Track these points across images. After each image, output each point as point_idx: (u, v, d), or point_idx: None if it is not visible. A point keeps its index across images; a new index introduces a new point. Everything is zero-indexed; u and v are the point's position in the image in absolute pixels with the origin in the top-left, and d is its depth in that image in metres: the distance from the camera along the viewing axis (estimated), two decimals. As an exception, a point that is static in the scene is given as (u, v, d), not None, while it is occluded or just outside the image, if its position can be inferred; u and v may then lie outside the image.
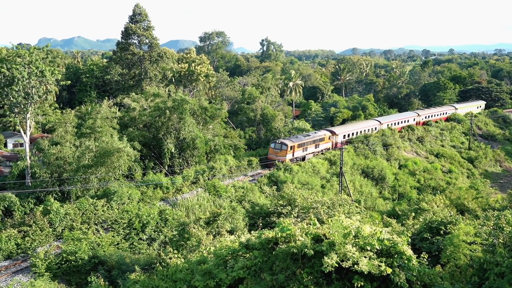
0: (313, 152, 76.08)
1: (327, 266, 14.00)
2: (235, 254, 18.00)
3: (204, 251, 21.23)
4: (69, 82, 78.26)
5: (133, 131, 66.09)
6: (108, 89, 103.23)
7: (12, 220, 43.85)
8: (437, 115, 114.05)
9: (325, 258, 14.21)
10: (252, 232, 21.01)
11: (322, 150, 78.50)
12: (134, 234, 41.19)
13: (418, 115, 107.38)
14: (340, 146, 74.41)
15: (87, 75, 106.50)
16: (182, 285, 18.27)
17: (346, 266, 14.16)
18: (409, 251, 15.14)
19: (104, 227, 42.64)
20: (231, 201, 50.70)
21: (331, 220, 16.71)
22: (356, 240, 15.28)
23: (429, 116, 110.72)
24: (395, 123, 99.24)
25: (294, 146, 71.47)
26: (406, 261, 14.90)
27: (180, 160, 64.96)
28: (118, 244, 39.27)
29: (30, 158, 59.24)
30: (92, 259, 35.42)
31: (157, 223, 42.88)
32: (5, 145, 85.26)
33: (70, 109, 71.32)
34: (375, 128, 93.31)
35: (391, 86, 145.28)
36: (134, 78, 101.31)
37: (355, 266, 14.07)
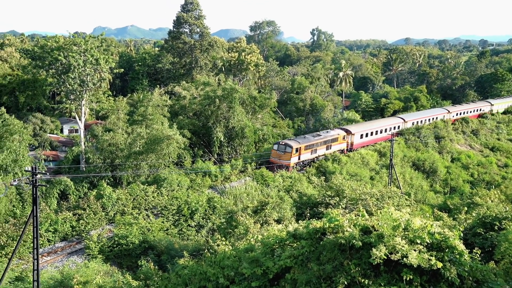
0: (324, 155, 66.59)
1: (375, 258, 13.80)
2: (282, 243, 18.00)
3: (252, 239, 21.31)
4: (122, 70, 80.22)
5: (183, 119, 67.01)
6: (159, 77, 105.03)
7: (67, 203, 45.44)
8: (470, 112, 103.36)
9: (374, 250, 14.00)
10: (299, 222, 20.97)
11: (335, 152, 68.54)
12: (183, 221, 41.90)
13: (448, 111, 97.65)
14: (355, 148, 70.52)
15: (140, 63, 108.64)
16: (230, 272, 18.42)
17: (395, 259, 13.91)
18: (461, 246, 14.72)
19: (154, 213, 43.56)
20: (278, 191, 50.76)
21: (380, 212, 16.44)
22: (406, 233, 14.98)
23: (461, 113, 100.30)
24: (420, 121, 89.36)
25: (300, 148, 62.00)
26: (457, 256, 14.49)
27: (229, 149, 65.46)
28: (167, 230, 40.06)
29: (84, 143, 61.19)
30: (142, 244, 36.29)
31: (206, 211, 43.46)
32: (62, 131, 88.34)
33: (122, 96, 73.04)
34: (398, 127, 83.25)
35: (445, 77, 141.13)
36: (185, 66, 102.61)
37: (404, 259, 13.81)
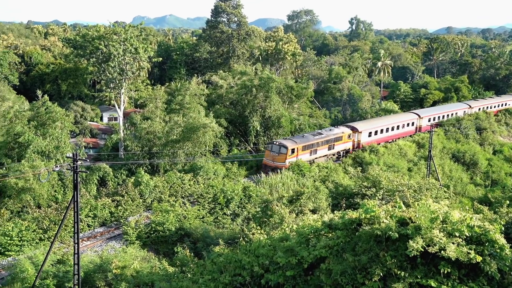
0: (325, 155, 60.74)
1: (412, 250, 13.61)
2: (317, 233, 17.93)
3: (287, 229, 21.33)
4: (161, 59, 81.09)
5: (220, 108, 67.35)
6: (197, 66, 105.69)
7: (106, 190, 46.41)
8: (494, 106, 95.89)
9: (410, 242, 13.81)
10: (335, 212, 20.84)
11: (339, 153, 63.19)
12: (219, 209, 42.25)
13: (470, 107, 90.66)
14: (362, 147, 64.60)
15: (177, 52, 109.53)
16: (265, 261, 18.50)
17: (432, 251, 13.68)
18: (502, 240, 14.34)
19: (190, 201, 44.05)
20: (314, 181, 50.50)
21: (418, 204, 16.17)
22: (444, 225, 14.71)
23: (484, 108, 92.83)
24: (437, 117, 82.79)
25: (296, 148, 55.88)
26: (498, 250, 14.13)
27: (265, 138, 65.50)
28: (203, 217, 40.48)
29: (123, 131, 62.26)
30: (178, 231, 36.79)
31: (241, 199, 43.68)
32: (101, 119, 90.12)
33: (160, 85, 73.75)
34: (412, 123, 76.76)
35: (488, 67, 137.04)
36: (222, 56, 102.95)
37: (442, 251, 13.56)
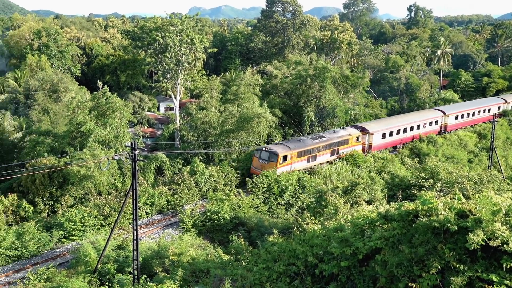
0: (328, 162, 53.15)
1: (472, 243, 13.19)
2: (372, 224, 17.68)
3: (341, 219, 21.16)
4: (216, 49, 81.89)
5: (274, 98, 67.34)
6: (251, 56, 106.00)
7: (163, 178, 47.50)
8: None
9: (470, 234, 13.38)
10: (390, 203, 20.48)
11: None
12: (273, 199, 42.39)
13: (506, 102, 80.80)
14: (374, 151, 57.70)
15: (232, 43, 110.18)
16: (319, 251, 18.43)
17: (494, 245, 13.21)
18: None
19: (244, 190, 44.42)
20: (369, 172, 49.82)
21: (478, 196, 15.64)
22: (507, 218, 14.15)
23: None
24: (466, 115, 73.28)
25: (289, 155, 48.50)
26: None
27: (320, 129, 65.03)
28: (257, 207, 40.74)
29: (179, 121, 63.43)
30: (233, 220, 37.22)
31: (295, 189, 43.66)
32: (158, 109, 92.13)
33: (215, 75, 74.49)
34: (436, 122, 68.39)
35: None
36: (277, 45, 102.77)
37: (505, 245, 13.07)
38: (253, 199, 41.31)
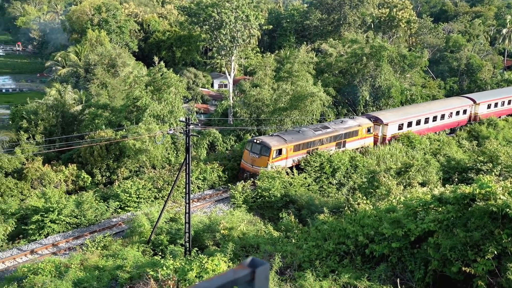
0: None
1: (532, 230, 12.77)
2: (426, 206, 17.36)
3: (394, 200, 20.85)
4: (271, 26, 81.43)
5: (329, 77, 66.55)
6: (306, 34, 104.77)
7: (215, 154, 48.14)
8: None
9: (530, 221, 12.95)
10: (446, 186, 20.00)
11: (354, 151, 48.44)
12: (324, 178, 42.23)
13: None
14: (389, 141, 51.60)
15: (288, 20, 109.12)
16: (370, 231, 18.30)
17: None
18: None
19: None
20: (424, 153, 48.66)
21: (541, 182, 15.06)
22: None
23: None
24: (501, 103, 66.36)
25: (285, 149, 43.16)
26: None
27: (374, 109, 63.92)
28: (308, 185, 40.71)
29: (232, 98, 63.80)
30: (283, 197, 37.38)
31: (347, 169, 43.30)
32: (212, 85, 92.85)
33: (270, 53, 74.24)
34: (464, 111, 61.24)
35: None
36: (333, 23, 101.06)
37: None
38: (304, 178, 41.28)
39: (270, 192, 37.45)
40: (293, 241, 23.06)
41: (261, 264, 2.13)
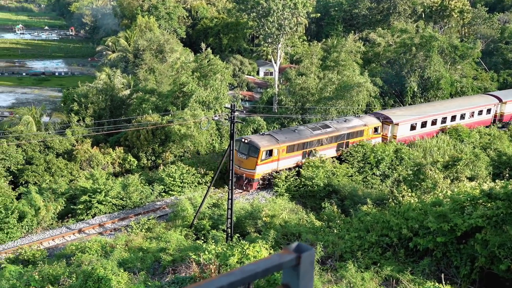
0: (333, 158, 43.22)
1: None
2: (474, 201, 16.92)
3: (440, 194, 20.42)
4: (318, 15, 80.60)
5: (376, 67, 65.48)
6: (354, 23, 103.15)
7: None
8: None
9: None
10: (496, 181, 19.42)
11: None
12: (368, 169, 41.73)
13: None
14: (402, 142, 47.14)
15: (336, 8, 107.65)
16: (414, 224, 17.99)
17: None
18: None
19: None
20: (474, 147, 47.33)
21: None
22: None
23: None
24: None
25: (276, 150, 39.26)
26: None
27: (422, 100, 62.50)
28: (351, 176, 40.33)
29: (278, 86, 63.62)
30: (326, 187, 37.19)
31: (392, 161, 42.62)
32: (258, 73, 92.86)
33: (317, 41, 73.48)
34: (488, 111, 56.19)
35: None
36: (382, 12, 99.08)
37: None
38: (347, 168, 40.91)
39: (313, 181, 37.33)
40: (335, 231, 22.96)
41: (307, 249, 2.12)
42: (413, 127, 49.33)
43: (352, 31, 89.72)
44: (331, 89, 54.57)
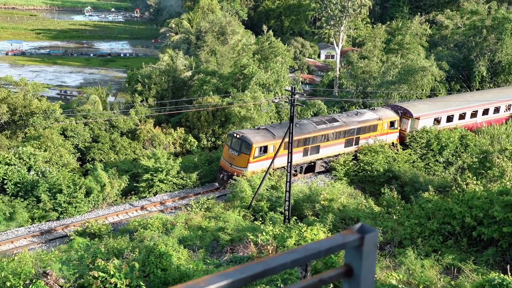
0: (338, 155, 39.04)
1: None
2: (545, 191, 16.16)
3: (508, 183, 19.62)
4: (383, -4, 78.36)
5: (442, 50, 63.16)
6: (421, 5, 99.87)
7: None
8: None
9: None
10: None
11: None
12: (431, 155, 40.60)
13: None
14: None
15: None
16: (478, 213, 17.41)
17: None
18: None
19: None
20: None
21: None
22: None
23: None
24: None
25: (272, 146, 35.33)
26: None
27: (491, 85, 59.88)
28: (413, 162, 39.36)
29: (339, 69, 62.79)
30: (386, 172, 36.53)
31: (456, 148, 41.26)
32: (319, 56, 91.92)
33: (381, 24, 71.72)
34: None
35: None
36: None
37: None
38: (409, 154, 39.97)
39: (372, 166, 36.76)
40: (394, 217, 22.60)
41: (371, 230, 2.09)
42: (438, 121, 44.52)
43: (418, 13, 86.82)
44: (394, 73, 53.28)
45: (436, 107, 45.14)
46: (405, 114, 43.37)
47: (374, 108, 43.75)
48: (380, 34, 62.60)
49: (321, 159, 38.37)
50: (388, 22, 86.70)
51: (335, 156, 38.92)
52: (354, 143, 39.99)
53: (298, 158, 36.53)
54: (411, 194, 29.96)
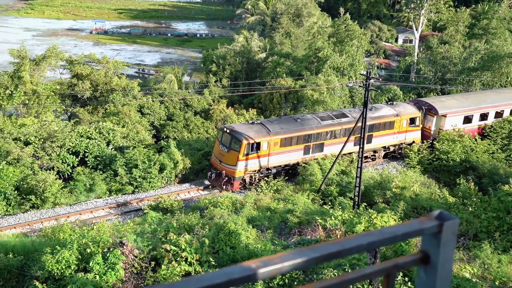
0: (348, 153, 35.11)
1: None
2: None
3: None
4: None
5: (532, 36, 59.60)
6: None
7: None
8: None
9: None
10: None
11: (388, 148, 38.08)
12: (513, 147, 38.62)
13: None
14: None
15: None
16: None
17: None
18: None
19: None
20: None
21: None
22: None
23: None
24: None
25: (266, 142, 32.43)
26: None
27: None
28: (493, 153, 37.57)
29: (417, 54, 60.71)
30: (463, 163, 35.13)
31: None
32: (396, 40, 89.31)
33: (465, 7, 68.51)
34: None
35: None
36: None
37: None
38: (489, 144, 38.19)
39: (448, 155, 35.44)
40: (470, 209, 21.77)
41: (450, 218, 2.01)
42: (468, 120, 40.02)
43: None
44: (476, 59, 50.86)
45: (467, 103, 40.52)
46: (430, 111, 39.20)
47: (393, 103, 39.94)
48: (464, 18, 59.87)
49: (324, 158, 34.44)
50: (473, 6, 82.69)
51: (346, 154, 34.80)
52: (367, 142, 34.22)
53: (298, 156, 34.00)
54: (489, 186, 28.67)
